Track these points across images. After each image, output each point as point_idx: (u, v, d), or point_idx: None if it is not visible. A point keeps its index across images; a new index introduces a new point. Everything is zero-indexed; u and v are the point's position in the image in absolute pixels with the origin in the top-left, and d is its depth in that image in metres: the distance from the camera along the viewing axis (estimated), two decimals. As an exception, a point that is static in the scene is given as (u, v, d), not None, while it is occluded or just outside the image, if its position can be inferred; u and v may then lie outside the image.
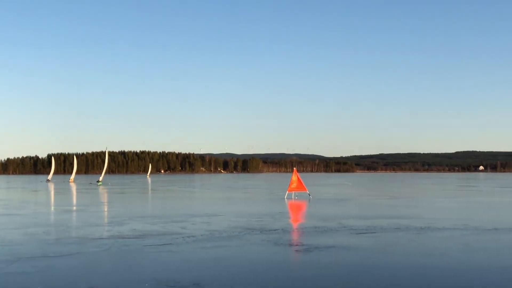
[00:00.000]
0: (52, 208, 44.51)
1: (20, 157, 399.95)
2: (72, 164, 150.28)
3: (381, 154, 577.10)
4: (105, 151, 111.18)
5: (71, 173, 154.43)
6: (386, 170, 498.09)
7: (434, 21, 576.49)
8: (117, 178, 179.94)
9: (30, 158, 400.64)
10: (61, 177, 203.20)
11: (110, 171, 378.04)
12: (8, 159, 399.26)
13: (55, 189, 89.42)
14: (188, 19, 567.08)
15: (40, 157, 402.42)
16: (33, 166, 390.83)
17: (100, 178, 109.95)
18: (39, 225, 29.36)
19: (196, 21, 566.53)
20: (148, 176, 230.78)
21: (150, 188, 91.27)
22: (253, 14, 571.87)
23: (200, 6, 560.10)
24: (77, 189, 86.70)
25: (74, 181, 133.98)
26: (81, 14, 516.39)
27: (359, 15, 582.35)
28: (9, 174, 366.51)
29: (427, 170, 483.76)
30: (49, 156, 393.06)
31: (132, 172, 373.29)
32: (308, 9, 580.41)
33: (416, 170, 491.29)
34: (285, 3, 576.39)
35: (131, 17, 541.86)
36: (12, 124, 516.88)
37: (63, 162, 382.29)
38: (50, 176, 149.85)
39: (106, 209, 42.53)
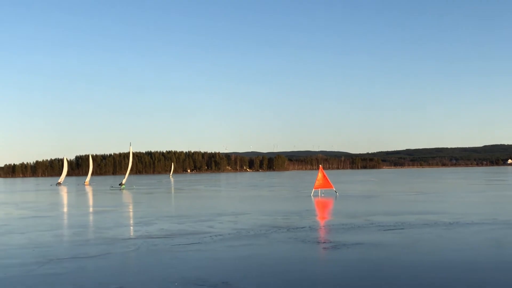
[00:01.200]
0: (81, 209, 44.94)
1: (49, 159, 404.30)
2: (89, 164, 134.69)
3: (407, 150, 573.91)
4: (129, 151, 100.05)
5: (99, 173, 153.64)
6: (413, 165, 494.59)
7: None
8: (142, 179, 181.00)
9: (59, 160, 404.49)
10: (79, 179, 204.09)
11: (137, 171, 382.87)
12: (37, 161, 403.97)
13: (82, 191, 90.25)
14: (210, 20, 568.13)
15: (68, 159, 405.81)
16: (62, 168, 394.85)
17: (123, 181, 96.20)
18: (69, 226, 29.72)
19: (216, 22, 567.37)
20: (170, 176, 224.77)
21: (176, 188, 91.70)
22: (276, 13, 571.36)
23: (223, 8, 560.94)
24: (100, 191, 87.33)
25: (89, 184, 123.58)
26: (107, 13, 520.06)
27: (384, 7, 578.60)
28: (38, 176, 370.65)
29: (454, 165, 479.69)
30: (77, 158, 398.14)
31: (159, 172, 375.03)
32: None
33: (443, 165, 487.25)
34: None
35: (149, 17, 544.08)
36: (40, 127, 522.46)
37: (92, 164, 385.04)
38: (61, 179, 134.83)
39: (133, 210, 42.85)
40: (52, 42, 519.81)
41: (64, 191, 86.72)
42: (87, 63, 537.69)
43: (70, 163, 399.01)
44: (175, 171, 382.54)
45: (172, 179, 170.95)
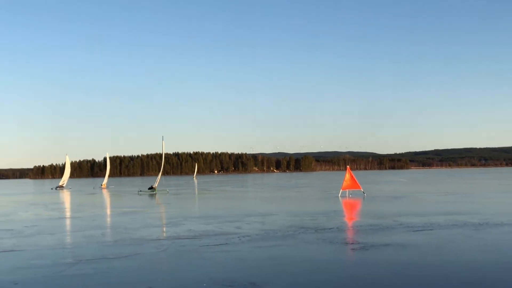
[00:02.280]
0: (109, 210, 45.31)
1: (78, 160, 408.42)
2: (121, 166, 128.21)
3: (436, 150, 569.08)
4: (162, 148, 79.66)
5: (127, 175, 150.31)
6: (441, 166, 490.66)
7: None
8: (169, 180, 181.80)
9: (87, 161, 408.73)
10: (96, 181, 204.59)
11: (164, 172, 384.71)
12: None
13: (111, 192, 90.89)
14: (229, 25, 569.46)
15: (96, 160, 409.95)
16: (90, 169, 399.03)
17: (155, 184, 79.50)
18: (97, 227, 29.94)
19: (236, 28, 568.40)
20: (194, 178, 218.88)
21: (203, 189, 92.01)
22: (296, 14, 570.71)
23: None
24: (125, 193, 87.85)
25: (107, 187, 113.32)
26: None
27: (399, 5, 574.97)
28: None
29: (484, 165, 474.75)
30: (105, 159, 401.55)
31: (186, 173, 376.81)
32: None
33: (473, 165, 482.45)
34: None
35: (170, 21, 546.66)
36: (69, 128, 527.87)
37: (119, 165, 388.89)
38: (63, 181, 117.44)
39: (161, 211, 43.06)
40: (87, 41, 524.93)
41: (86, 194, 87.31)
42: (114, 65, 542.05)
43: (98, 164, 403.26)
44: (202, 172, 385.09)
45: (195, 180, 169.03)
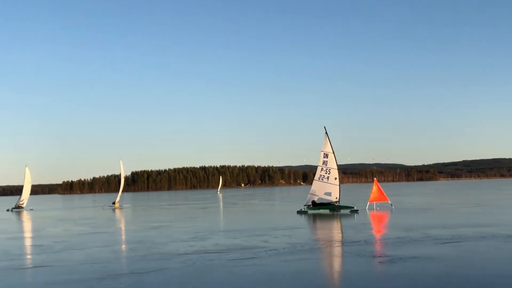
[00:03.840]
0: (137, 225, 45.59)
1: (105, 175, 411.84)
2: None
3: (464, 161, 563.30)
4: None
5: (155, 189, 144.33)
6: (470, 177, 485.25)
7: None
8: (194, 194, 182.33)
9: (115, 176, 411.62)
10: (135, 195, 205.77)
11: (191, 186, 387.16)
12: (94, 178, 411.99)
13: (140, 206, 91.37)
14: (256, 39, 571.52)
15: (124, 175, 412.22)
16: (118, 184, 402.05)
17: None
18: (126, 242, 30.20)
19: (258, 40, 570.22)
20: (218, 192, 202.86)
21: (231, 202, 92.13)
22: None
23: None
24: (154, 207, 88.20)
25: (120, 206, 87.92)
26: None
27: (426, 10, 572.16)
28: (95, 192, 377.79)
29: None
30: (133, 174, 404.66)
31: (213, 187, 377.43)
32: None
33: (502, 176, 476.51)
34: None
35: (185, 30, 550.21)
36: (96, 144, 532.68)
37: (147, 180, 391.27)
38: (22, 200, 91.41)
39: (188, 225, 43.20)
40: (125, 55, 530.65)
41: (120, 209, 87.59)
42: (144, 79, 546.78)
43: (126, 179, 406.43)
44: (228, 186, 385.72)
45: (220, 195, 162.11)
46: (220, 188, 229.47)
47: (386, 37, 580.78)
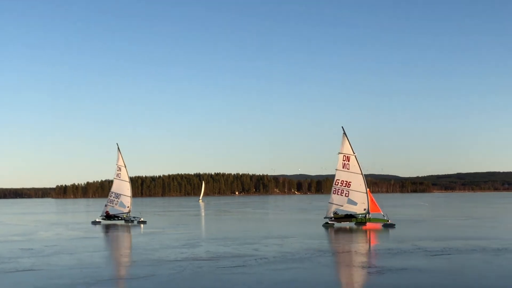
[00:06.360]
0: (129, 231, 45.51)
1: (99, 180, 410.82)
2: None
3: (458, 174, 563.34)
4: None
5: (148, 195, 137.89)
6: (464, 189, 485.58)
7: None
8: (189, 201, 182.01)
9: (109, 181, 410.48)
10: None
11: (185, 193, 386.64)
12: (87, 183, 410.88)
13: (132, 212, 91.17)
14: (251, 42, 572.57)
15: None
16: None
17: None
18: (116, 248, 30.17)
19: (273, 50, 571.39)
20: (200, 200, 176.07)
21: (223, 210, 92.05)
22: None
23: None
24: (153, 212, 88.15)
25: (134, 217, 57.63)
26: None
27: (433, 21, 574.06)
28: (88, 197, 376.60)
29: (507, 189, 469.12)
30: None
31: (207, 194, 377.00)
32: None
33: (496, 189, 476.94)
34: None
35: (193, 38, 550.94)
36: (91, 149, 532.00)
37: (141, 185, 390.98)
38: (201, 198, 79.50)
39: (180, 231, 43.15)
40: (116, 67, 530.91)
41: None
42: (139, 85, 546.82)
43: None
44: (222, 193, 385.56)
45: (201, 204, 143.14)
46: (202, 196, 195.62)
47: (382, 45, 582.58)
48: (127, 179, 54.49)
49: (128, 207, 53.83)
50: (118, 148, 55.39)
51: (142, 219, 53.91)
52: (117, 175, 55.30)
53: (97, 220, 55.63)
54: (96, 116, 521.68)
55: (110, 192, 55.81)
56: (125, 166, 54.49)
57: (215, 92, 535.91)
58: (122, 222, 53.83)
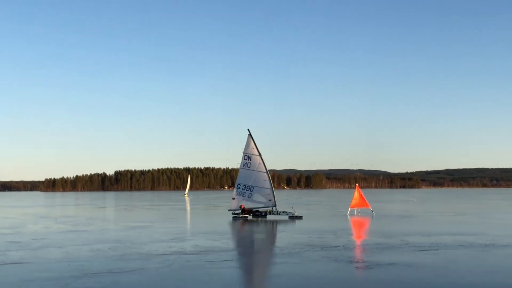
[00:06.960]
0: (118, 224, 45.43)
1: (88, 174, 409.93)
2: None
3: (447, 170, 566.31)
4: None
5: (138, 189, 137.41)
6: (453, 185, 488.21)
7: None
8: (178, 195, 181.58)
9: (98, 175, 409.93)
10: (118, 194, 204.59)
11: (174, 187, 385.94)
12: (76, 176, 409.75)
13: (121, 206, 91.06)
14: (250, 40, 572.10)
15: (107, 174, 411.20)
16: (101, 182, 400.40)
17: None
18: (105, 241, 30.09)
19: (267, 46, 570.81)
20: (185, 195, 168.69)
21: (213, 205, 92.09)
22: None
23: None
24: (138, 206, 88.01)
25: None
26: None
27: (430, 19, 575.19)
28: (77, 191, 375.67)
29: (495, 186, 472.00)
30: (116, 173, 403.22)
31: (196, 188, 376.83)
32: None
33: (484, 185, 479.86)
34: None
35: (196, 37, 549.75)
36: (80, 142, 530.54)
37: (130, 179, 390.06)
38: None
39: (169, 225, 43.11)
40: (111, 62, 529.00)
41: (102, 207, 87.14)
42: (130, 80, 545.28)
43: (109, 178, 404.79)
44: (212, 188, 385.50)
45: (187, 198, 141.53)
46: (188, 191, 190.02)
47: (370, 45, 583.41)
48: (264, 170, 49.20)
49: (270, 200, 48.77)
50: (250, 134, 49.43)
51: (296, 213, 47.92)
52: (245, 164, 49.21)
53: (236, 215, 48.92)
54: (85, 109, 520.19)
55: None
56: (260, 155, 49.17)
57: (206, 86, 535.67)
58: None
